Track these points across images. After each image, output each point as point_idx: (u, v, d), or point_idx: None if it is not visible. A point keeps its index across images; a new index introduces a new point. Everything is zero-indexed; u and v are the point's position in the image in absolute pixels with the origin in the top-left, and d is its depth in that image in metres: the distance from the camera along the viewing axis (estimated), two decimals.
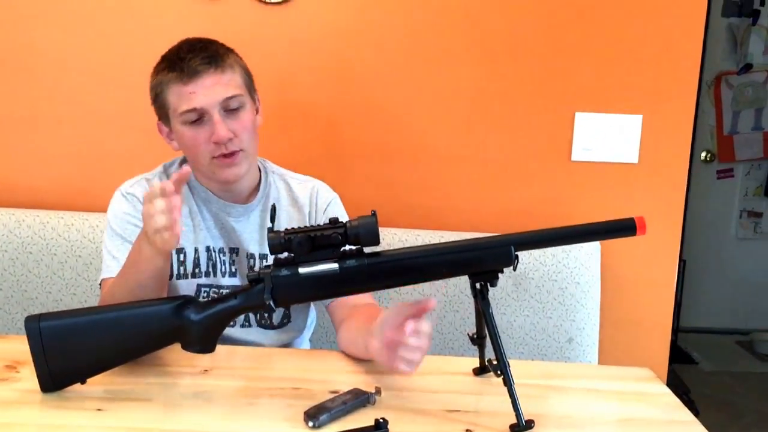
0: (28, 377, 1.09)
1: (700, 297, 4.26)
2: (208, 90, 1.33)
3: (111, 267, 1.38)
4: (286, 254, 1.09)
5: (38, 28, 1.83)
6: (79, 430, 0.98)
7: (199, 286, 1.46)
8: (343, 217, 1.53)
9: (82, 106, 1.86)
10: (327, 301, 1.48)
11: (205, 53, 1.35)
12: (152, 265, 1.21)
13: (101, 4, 1.82)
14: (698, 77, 1.86)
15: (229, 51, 1.40)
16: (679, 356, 3.88)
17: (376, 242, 1.07)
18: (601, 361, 1.84)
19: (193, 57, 1.33)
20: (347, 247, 1.09)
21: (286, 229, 1.08)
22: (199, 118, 1.34)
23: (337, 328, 1.44)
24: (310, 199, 1.53)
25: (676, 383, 3.53)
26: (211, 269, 1.47)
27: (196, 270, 1.46)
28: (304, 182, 1.56)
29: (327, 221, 1.10)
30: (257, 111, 1.46)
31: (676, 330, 3.85)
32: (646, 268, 1.91)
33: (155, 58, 1.40)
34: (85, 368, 1.08)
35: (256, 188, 1.50)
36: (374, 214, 1.07)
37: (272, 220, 1.10)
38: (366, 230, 1.06)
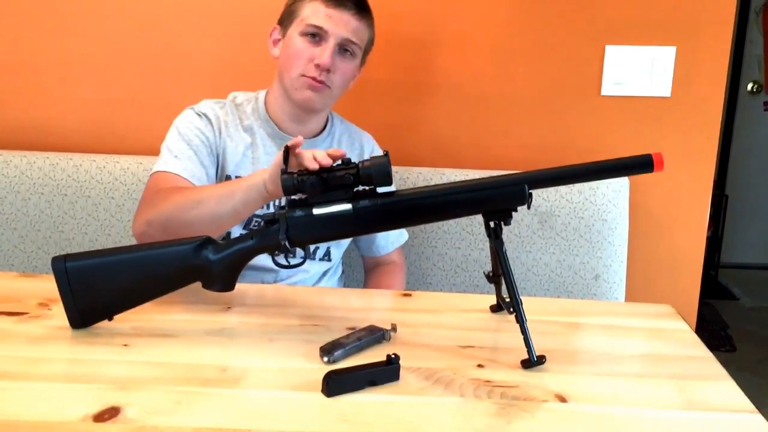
0: (59, 315, 1.13)
1: (742, 232, 4.17)
2: (342, 22, 1.45)
3: (170, 163, 1.44)
4: (300, 195, 1.10)
5: None
6: (107, 364, 1.02)
7: (253, 216, 1.50)
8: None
9: (111, 50, 1.88)
10: (361, 246, 1.69)
11: None
12: (244, 208, 1.27)
13: None
14: (736, 5, 1.78)
15: (373, 17, 1.52)
16: (719, 292, 3.84)
17: (389, 182, 1.07)
18: (629, 298, 1.83)
19: None
20: (361, 188, 1.10)
21: (299, 171, 1.09)
22: (318, 37, 1.45)
23: (365, 273, 1.72)
24: (372, 151, 1.64)
25: (715, 319, 3.51)
26: None
27: None
28: (359, 132, 1.67)
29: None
30: (354, 76, 1.55)
31: (717, 265, 3.80)
32: (677, 204, 1.88)
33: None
34: (111, 306, 1.12)
35: (323, 128, 1.59)
36: (387, 155, 1.07)
37: (285, 161, 1.11)
38: (378, 171, 1.06)
